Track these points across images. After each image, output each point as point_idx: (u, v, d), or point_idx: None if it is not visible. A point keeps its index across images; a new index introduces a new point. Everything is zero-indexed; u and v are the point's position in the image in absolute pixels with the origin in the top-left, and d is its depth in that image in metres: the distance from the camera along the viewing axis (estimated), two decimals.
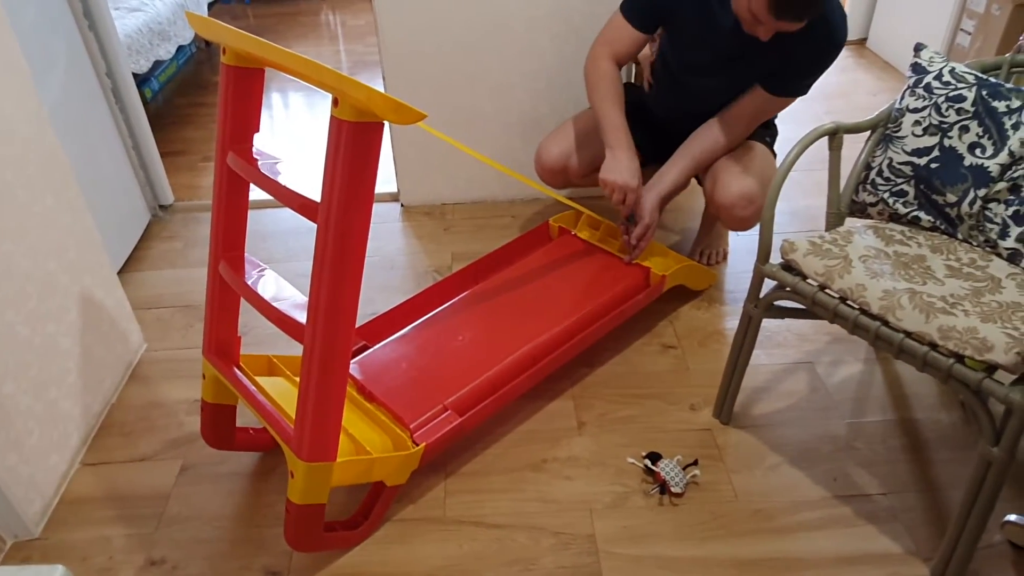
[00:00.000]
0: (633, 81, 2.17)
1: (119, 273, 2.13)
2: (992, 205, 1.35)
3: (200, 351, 1.86)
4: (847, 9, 1.67)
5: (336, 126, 1.00)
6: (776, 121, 1.92)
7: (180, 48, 3.22)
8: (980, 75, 1.38)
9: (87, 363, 1.61)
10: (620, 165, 1.72)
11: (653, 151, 1.95)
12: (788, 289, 1.36)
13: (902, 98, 1.43)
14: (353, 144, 1.00)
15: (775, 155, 1.86)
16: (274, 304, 1.18)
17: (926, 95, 1.40)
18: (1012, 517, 1.33)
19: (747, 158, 1.77)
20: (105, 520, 1.44)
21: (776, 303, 1.41)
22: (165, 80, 3.35)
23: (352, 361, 1.58)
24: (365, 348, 1.67)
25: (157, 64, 2.98)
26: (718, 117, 1.77)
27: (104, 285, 1.71)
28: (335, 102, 0.99)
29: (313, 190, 1.12)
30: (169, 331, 1.94)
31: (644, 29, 1.73)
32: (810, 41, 1.56)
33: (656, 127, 1.94)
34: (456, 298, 1.81)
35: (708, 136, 1.77)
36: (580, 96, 2.26)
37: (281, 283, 1.28)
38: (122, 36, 2.61)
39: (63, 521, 1.44)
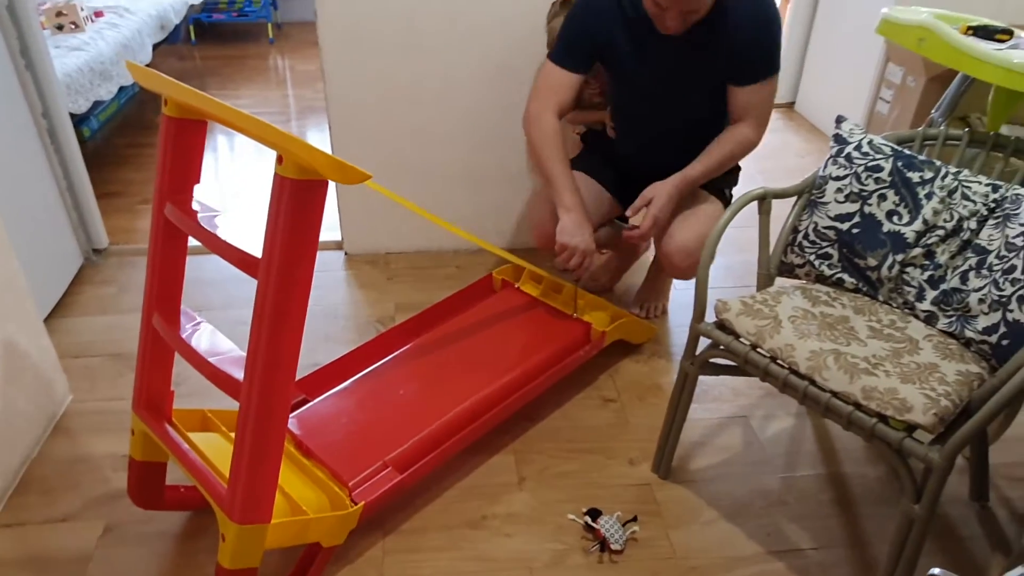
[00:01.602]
0: (595, 129, 2.10)
1: (46, 320, 2.04)
2: (909, 269, 1.43)
3: (129, 402, 1.79)
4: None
5: (279, 183, 1.00)
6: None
7: (122, 88, 3.17)
8: (896, 147, 1.48)
9: (7, 415, 1.53)
10: (575, 227, 1.69)
11: (631, 198, 1.90)
12: (722, 347, 1.40)
13: (825, 166, 1.52)
14: (296, 201, 1.00)
15: (728, 203, 1.86)
16: (209, 359, 1.16)
17: (847, 164, 1.48)
18: (936, 571, 1.37)
19: (698, 210, 1.78)
20: None
21: (711, 360, 1.46)
22: (105, 119, 3.29)
23: (290, 415, 1.55)
24: (305, 402, 1.64)
25: (97, 103, 2.93)
26: (733, 121, 1.74)
27: (29, 332, 1.64)
28: (279, 159, 1.00)
29: (254, 242, 1.11)
30: (97, 381, 1.87)
31: (580, 69, 1.72)
32: (746, 19, 1.59)
33: (632, 172, 1.91)
34: (398, 351, 1.80)
35: (728, 136, 1.73)
36: (523, 151, 2.32)
37: (217, 336, 1.25)
38: (61, 75, 2.56)
39: None
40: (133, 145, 3.33)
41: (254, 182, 3.01)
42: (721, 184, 1.87)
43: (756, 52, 1.65)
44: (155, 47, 3.67)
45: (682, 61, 1.67)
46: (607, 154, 1.97)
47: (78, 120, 2.89)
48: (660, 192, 1.72)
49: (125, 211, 2.72)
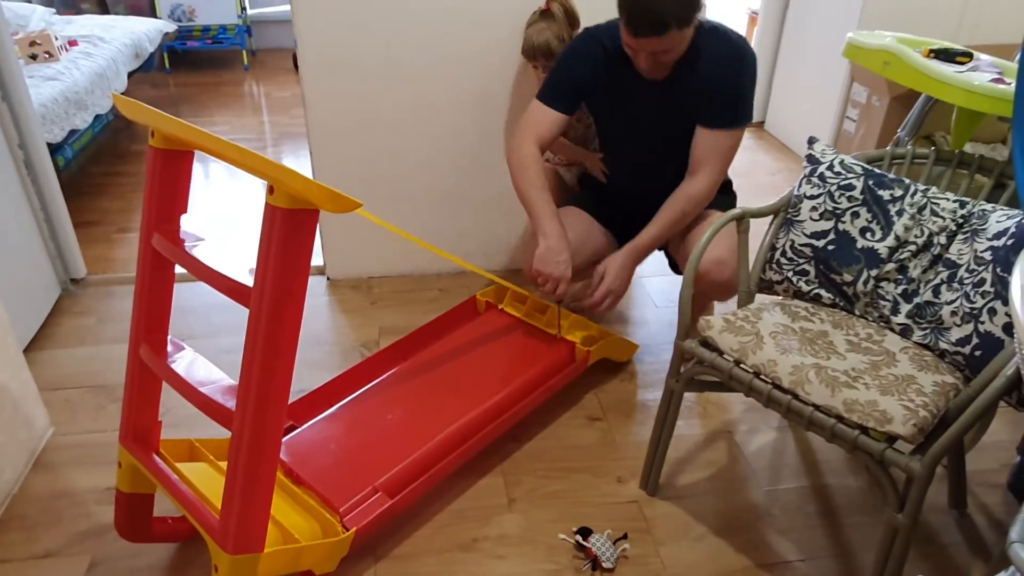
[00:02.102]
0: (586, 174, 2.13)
1: (25, 351, 2.01)
2: (884, 284, 1.47)
3: (112, 435, 1.77)
4: None
5: (271, 213, 1.01)
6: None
7: (97, 116, 3.16)
8: (866, 166, 1.53)
9: None
10: (551, 254, 1.70)
11: (630, 235, 1.93)
12: (706, 364, 1.43)
13: (800, 185, 1.56)
14: (288, 231, 1.01)
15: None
16: (200, 389, 1.16)
17: (820, 183, 1.53)
18: None
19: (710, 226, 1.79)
20: None
21: (696, 377, 1.48)
22: (79, 148, 3.26)
23: None
24: (292, 428, 1.63)
25: (72, 132, 2.91)
26: (688, 173, 1.76)
27: (9, 366, 1.62)
28: (270, 190, 1.01)
29: (236, 267, 1.12)
30: (78, 413, 1.84)
31: (566, 110, 1.76)
32: (716, 60, 1.63)
33: (629, 203, 1.94)
34: (384, 375, 1.81)
35: (684, 194, 1.76)
36: (503, 173, 2.34)
37: (206, 366, 1.25)
38: (37, 105, 2.54)
39: None
40: (108, 174, 3.30)
41: (232, 210, 3.01)
42: (723, 201, 1.87)
43: (721, 95, 1.66)
44: (129, 75, 3.66)
45: (659, 101, 1.71)
46: (602, 193, 2.00)
47: (52, 149, 2.87)
48: (612, 265, 1.78)
49: (102, 240, 2.70)
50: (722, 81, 1.65)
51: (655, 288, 2.41)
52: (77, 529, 1.53)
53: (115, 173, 3.32)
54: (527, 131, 1.78)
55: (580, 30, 1.91)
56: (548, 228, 1.72)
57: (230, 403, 1.11)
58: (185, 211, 1.26)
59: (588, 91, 1.77)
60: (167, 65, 4.91)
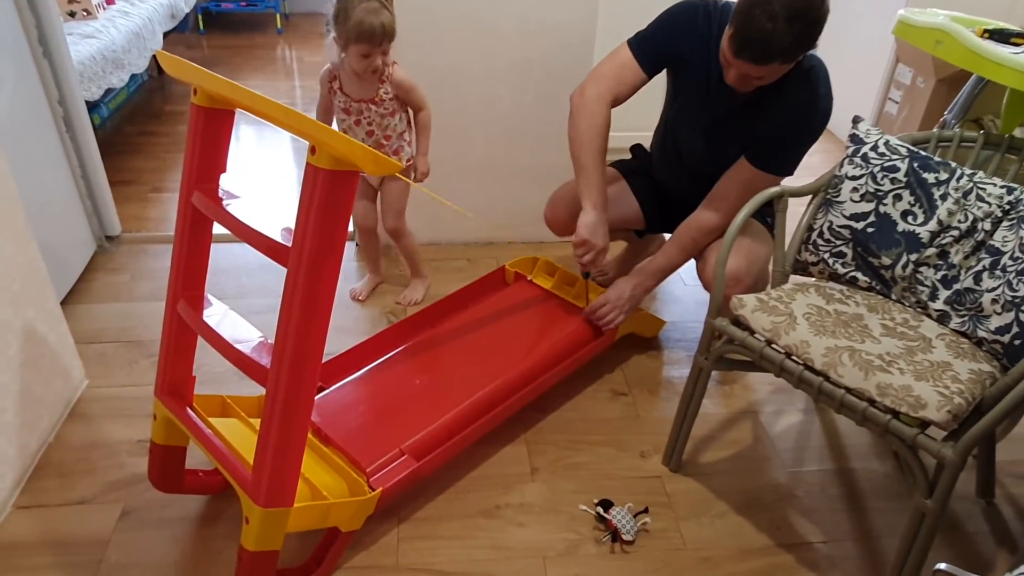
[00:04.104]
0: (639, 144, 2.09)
1: (61, 305, 2.05)
2: (923, 269, 1.45)
3: (145, 389, 1.81)
4: None
5: (312, 173, 1.01)
6: None
7: (133, 76, 3.18)
8: (911, 148, 1.49)
9: (25, 400, 1.55)
10: (591, 223, 1.68)
11: (658, 218, 1.94)
12: (737, 343, 1.42)
13: (841, 166, 1.53)
14: (329, 191, 1.02)
15: (773, 236, 1.75)
16: (236, 345, 1.17)
17: (863, 164, 1.50)
18: (942, 566, 1.40)
19: (739, 236, 1.69)
20: (39, 567, 1.37)
21: (725, 356, 1.48)
22: (115, 107, 3.29)
23: None
24: (320, 390, 1.65)
25: (108, 91, 2.93)
26: (706, 201, 1.73)
27: (48, 319, 1.65)
28: (312, 150, 1.01)
29: (268, 226, 1.13)
30: (112, 367, 1.88)
31: (650, 71, 1.67)
32: (794, 107, 1.58)
33: (659, 193, 1.94)
34: (412, 341, 1.82)
35: (696, 223, 1.74)
36: (536, 144, 2.33)
37: (240, 322, 1.27)
38: (75, 63, 2.56)
39: None
40: (143, 133, 3.33)
41: (259, 171, 3.03)
42: (763, 211, 1.77)
43: (781, 141, 1.61)
44: (165, 36, 3.68)
45: (729, 111, 1.65)
46: (647, 169, 1.97)
47: (89, 108, 2.89)
48: (622, 292, 1.80)
49: (136, 199, 2.73)
50: (789, 129, 1.60)
51: (685, 267, 2.39)
52: (110, 478, 1.57)
53: (149, 133, 3.34)
54: (606, 85, 1.66)
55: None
56: (596, 199, 1.68)
57: (265, 360, 1.12)
58: (225, 170, 1.27)
59: (677, 66, 1.69)
60: (201, 26, 4.92)
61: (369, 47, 1.73)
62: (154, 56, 3.45)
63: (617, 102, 1.69)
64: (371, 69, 1.78)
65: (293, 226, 1.06)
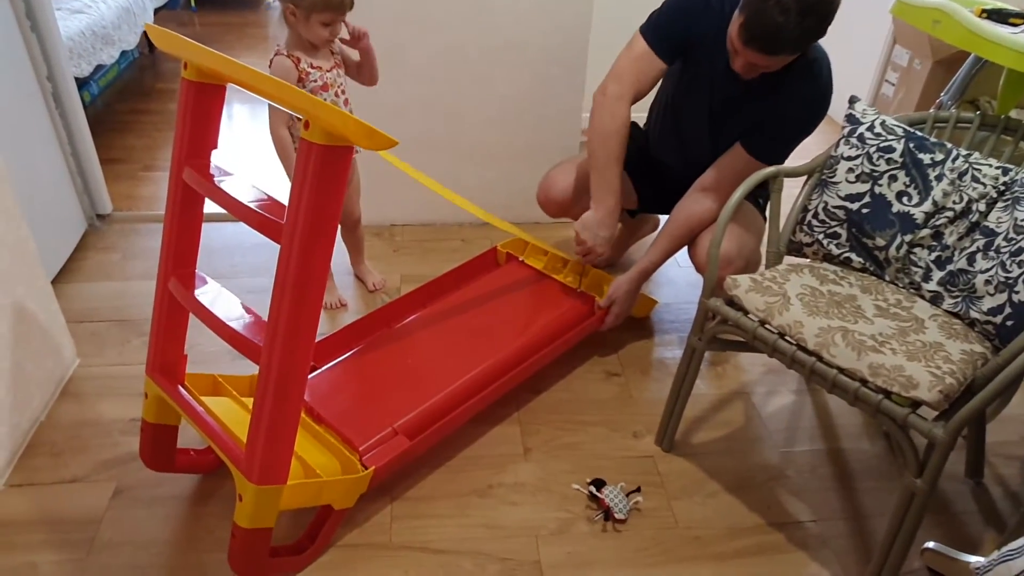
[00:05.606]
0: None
1: (52, 283, 2.04)
2: (917, 250, 1.45)
3: (137, 368, 1.80)
4: None
5: (306, 148, 1.00)
6: None
7: (123, 53, 3.14)
8: (908, 128, 1.49)
9: (16, 378, 1.54)
10: (598, 225, 1.70)
11: (652, 197, 1.94)
12: (730, 323, 1.42)
13: (837, 146, 1.53)
14: (322, 167, 1.01)
15: (765, 217, 1.80)
16: (229, 323, 1.17)
17: (859, 144, 1.50)
18: (931, 544, 1.42)
19: (734, 221, 1.70)
20: (32, 545, 1.37)
21: (719, 336, 1.48)
22: (105, 85, 3.25)
23: None
24: (313, 369, 1.65)
25: (98, 68, 2.89)
26: (699, 188, 1.73)
27: (38, 297, 1.64)
28: (305, 124, 1.00)
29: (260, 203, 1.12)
30: (104, 346, 1.87)
31: (669, 59, 1.65)
32: (795, 98, 1.57)
33: (655, 172, 1.93)
34: (405, 321, 1.81)
35: (688, 211, 1.74)
36: (531, 125, 2.32)
37: (232, 300, 1.26)
38: (64, 38, 2.52)
39: None
40: (134, 111, 3.30)
41: (249, 147, 3.00)
42: (756, 193, 1.78)
43: (780, 131, 1.62)
44: (156, 12, 3.63)
45: (731, 96, 1.63)
46: (644, 148, 1.95)
47: (79, 84, 2.86)
48: (621, 290, 1.80)
49: (127, 178, 2.70)
50: (788, 121, 1.61)
51: None
52: (102, 457, 1.56)
53: (140, 111, 3.31)
54: (627, 83, 1.65)
55: None
56: (608, 203, 1.71)
57: (258, 337, 1.12)
58: (216, 146, 1.25)
59: (687, 53, 1.66)
60: (192, 3, 4.85)
61: (334, 15, 1.69)
62: (145, 33, 3.41)
63: (639, 96, 1.68)
64: (334, 36, 1.74)
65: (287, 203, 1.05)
